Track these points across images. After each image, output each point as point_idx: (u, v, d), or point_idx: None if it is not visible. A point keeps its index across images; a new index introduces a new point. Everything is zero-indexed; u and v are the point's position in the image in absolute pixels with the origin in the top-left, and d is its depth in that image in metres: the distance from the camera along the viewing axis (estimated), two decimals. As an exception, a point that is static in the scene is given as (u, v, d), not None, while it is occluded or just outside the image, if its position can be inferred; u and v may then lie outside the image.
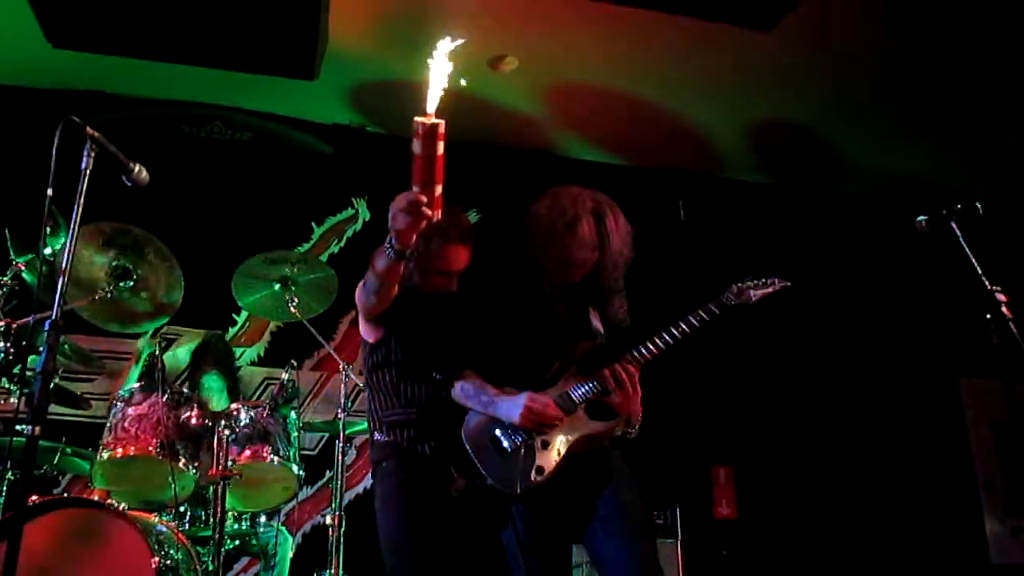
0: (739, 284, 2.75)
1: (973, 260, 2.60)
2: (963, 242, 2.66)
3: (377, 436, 2.83)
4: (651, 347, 2.63)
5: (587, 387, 2.62)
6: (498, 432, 2.60)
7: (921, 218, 2.74)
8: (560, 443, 2.57)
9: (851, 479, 5.65)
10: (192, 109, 5.29)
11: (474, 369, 2.69)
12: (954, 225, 2.68)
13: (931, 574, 5.49)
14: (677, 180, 6.15)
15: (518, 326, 2.71)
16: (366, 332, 2.88)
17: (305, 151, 5.48)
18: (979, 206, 2.64)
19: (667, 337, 2.64)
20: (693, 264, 5.69)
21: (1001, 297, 2.49)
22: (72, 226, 1.98)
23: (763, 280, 2.77)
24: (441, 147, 2.20)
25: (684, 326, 2.64)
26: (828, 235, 6.19)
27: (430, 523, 2.66)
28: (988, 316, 2.50)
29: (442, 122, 2.17)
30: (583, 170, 5.92)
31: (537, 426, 2.55)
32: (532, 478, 2.53)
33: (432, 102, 2.17)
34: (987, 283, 2.54)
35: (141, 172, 2.21)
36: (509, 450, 2.57)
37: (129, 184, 2.23)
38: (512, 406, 2.55)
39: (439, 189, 2.27)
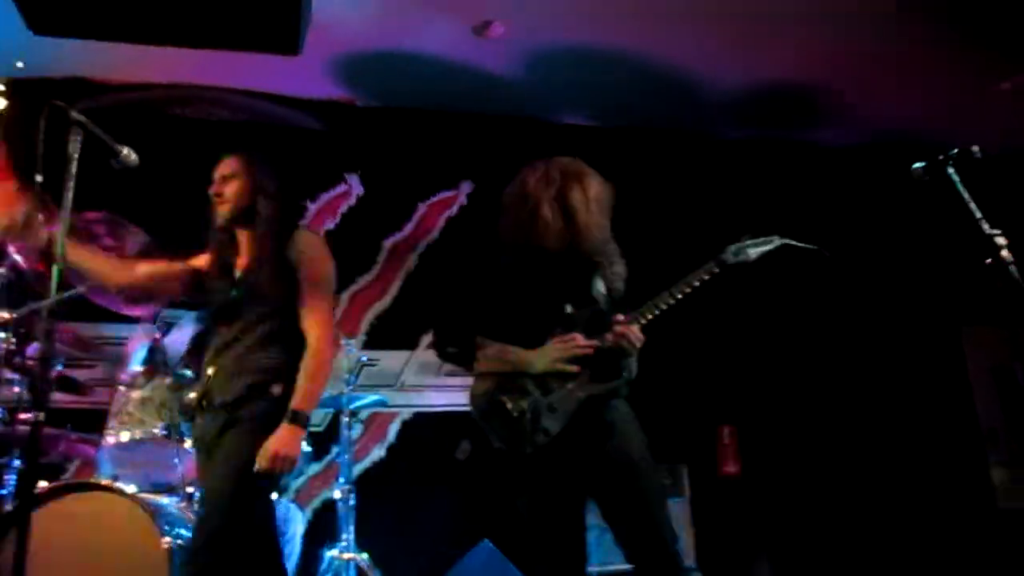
0: (737, 242, 2.79)
1: (971, 205, 2.59)
2: (960, 188, 2.65)
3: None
4: (652, 309, 2.67)
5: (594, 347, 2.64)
6: (503, 397, 2.62)
7: (917, 165, 2.73)
8: (566, 405, 2.59)
9: (855, 431, 5.68)
10: (177, 91, 5.23)
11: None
12: (951, 171, 2.67)
13: (939, 522, 5.54)
14: (668, 139, 6.11)
15: (514, 296, 2.72)
16: None
17: (295, 128, 5.43)
18: (976, 150, 2.63)
19: (668, 298, 2.68)
20: (687, 223, 5.68)
21: (1001, 241, 2.49)
22: (63, 212, 1.97)
23: (761, 238, 2.81)
24: None
25: (684, 286, 2.69)
26: (826, 189, 6.18)
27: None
28: (988, 261, 2.50)
29: None
30: (573, 135, 5.88)
31: (570, 360, 2.59)
32: (539, 439, 2.55)
33: None
34: (986, 228, 2.53)
35: (130, 155, 2.19)
36: (515, 414, 2.59)
37: (118, 167, 2.22)
38: (540, 355, 2.61)
39: None
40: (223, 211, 2.87)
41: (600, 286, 2.81)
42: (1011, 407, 6.14)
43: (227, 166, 2.92)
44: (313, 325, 2.74)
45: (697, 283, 2.69)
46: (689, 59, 5.34)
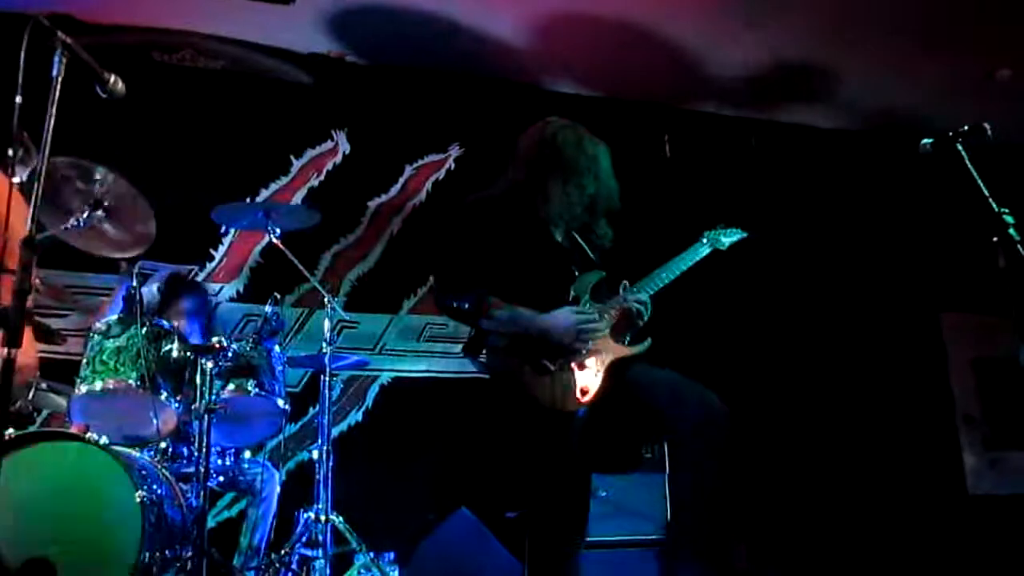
0: (712, 230, 3.04)
1: (980, 183, 2.55)
2: (969, 165, 2.61)
3: None
4: (655, 283, 2.81)
5: (611, 313, 2.71)
6: (542, 358, 2.60)
7: (926, 141, 2.69)
8: (596, 365, 2.61)
9: (831, 415, 5.67)
10: (164, 36, 5.05)
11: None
12: (960, 147, 2.63)
13: (909, 504, 5.56)
14: (663, 114, 6.02)
15: (528, 256, 2.70)
16: None
17: (283, 81, 5.28)
18: (987, 127, 2.59)
19: (666, 275, 2.83)
20: (679, 201, 5.61)
21: (1010, 219, 2.46)
22: (44, 136, 1.85)
23: (733, 228, 3.08)
24: None
25: (682, 264, 2.90)
26: (811, 170, 6.14)
27: None
28: (995, 239, 2.47)
29: None
30: (566, 103, 5.77)
31: (584, 335, 2.59)
32: (579, 399, 2.56)
33: None
34: (995, 205, 2.50)
35: (117, 83, 2.08)
36: (553, 369, 2.57)
37: (104, 96, 2.10)
38: (555, 322, 2.56)
39: None
40: None
41: (591, 248, 2.82)
42: (989, 395, 6.16)
43: None
44: None
45: (692, 263, 2.86)
46: (688, 32, 5.25)
